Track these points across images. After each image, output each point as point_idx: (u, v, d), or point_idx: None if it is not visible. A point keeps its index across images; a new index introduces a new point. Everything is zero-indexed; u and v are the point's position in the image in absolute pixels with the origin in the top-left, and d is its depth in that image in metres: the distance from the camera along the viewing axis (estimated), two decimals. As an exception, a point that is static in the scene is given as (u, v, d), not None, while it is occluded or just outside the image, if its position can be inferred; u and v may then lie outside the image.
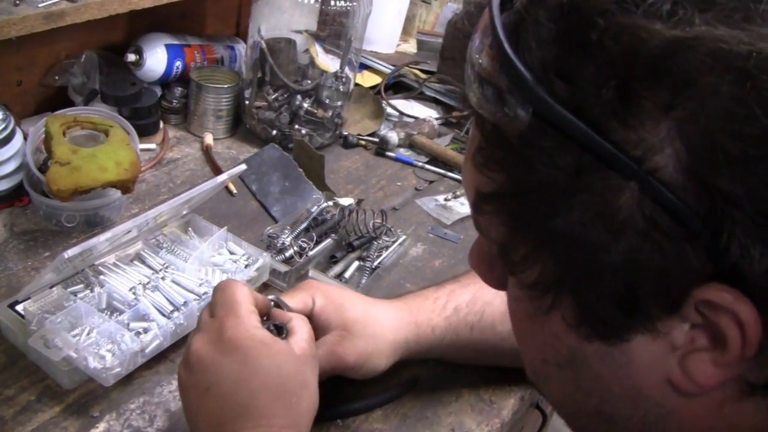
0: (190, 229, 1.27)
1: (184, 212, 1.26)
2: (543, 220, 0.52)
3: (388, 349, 0.98)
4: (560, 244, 0.52)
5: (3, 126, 1.31)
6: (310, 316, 0.96)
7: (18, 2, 1.35)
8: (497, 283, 0.67)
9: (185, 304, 1.10)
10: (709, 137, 0.45)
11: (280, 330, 0.88)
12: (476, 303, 1.03)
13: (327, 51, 1.76)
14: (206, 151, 1.62)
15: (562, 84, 0.48)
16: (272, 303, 0.91)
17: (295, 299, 0.96)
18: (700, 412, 0.54)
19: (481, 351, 1.05)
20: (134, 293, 1.10)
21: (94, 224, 1.35)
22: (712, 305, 0.48)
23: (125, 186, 1.29)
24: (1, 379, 1.05)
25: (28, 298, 1.10)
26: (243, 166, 1.22)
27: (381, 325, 0.99)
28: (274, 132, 1.65)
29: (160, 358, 1.09)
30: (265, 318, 0.90)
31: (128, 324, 1.06)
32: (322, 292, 0.99)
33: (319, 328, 0.97)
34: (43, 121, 1.35)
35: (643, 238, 0.48)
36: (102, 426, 1.01)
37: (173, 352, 1.11)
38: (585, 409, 0.62)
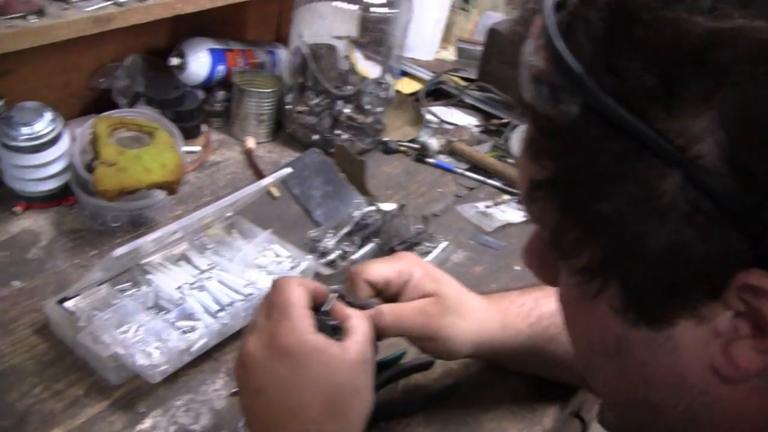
0: (234, 230, 1.28)
1: (228, 214, 1.27)
2: (591, 204, 0.54)
3: (474, 337, 0.98)
4: (607, 228, 0.54)
5: (52, 127, 1.33)
6: (406, 288, 0.96)
7: (67, 6, 1.37)
8: (550, 279, 0.68)
9: (231, 304, 1.11)
10: (748, 125, 0.47)
11: (337, 330, 0.87)
12: (558, 316, 1.04)
13: (367, 57, 1.77)
14: (248, 154, 1.63)
15: (610, 77, 0.51)
16: (336, 295, 0.90)
17: (391, 268, 0.96)
18: (745, 399, 0.56)
19: (551, 363, 1.05)
20: (181, 292, 1.11)
21: (139, 224, 1.37)
22: (753, 290, 0.50)
23: (170, 187, 1.31)
24: (50, 373, 1.06)
25: (77, 295, 1.12)
26: (289, 169, 1.23)
27: (473, 312, 0.99)
28: (315, 137, 1.67)
29: (205, 356, 1.10)
30: (323, 312, 0.89)
31: (175, 322, 1.07)
32: (420, 266, 0.98)
33: (414, 300, 0.96)
34: (90, 123, 1.37)
35: (686, 222, 0.50)
36: (148, 422, 1.02)
37: (218, 352, 1.12)
38: (632, 399, 0.63)
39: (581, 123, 0.53)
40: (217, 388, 1.08)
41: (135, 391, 1.06)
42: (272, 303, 0.86)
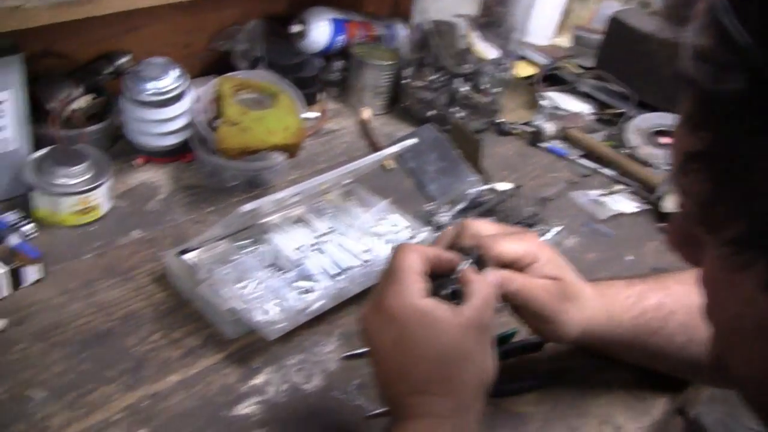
0: (351, 198, 1.28)
1: (347, 182, 1.27)
2: (747, 176, 0.53)
3: (583, 325, 0.97)
4: (762, 201, 0.53)
5: (177, 84, 1.35)
6: (529, 269, 0.95)
7: (195, -34, 1.39)
8: (693, 258, 0.67)
9: (349, 268, 1.11)
10: None
11: (457, 295, 0.86)
12: (661, 310, 1.02)
13: (485, 38, 1.75)
14: (363, 125, 1.64)
15: None
16: (468, 262, 0.89)
17: (520, 247, 0.94)
18: None
19: (651, 356, 1.04)
20: (300, 253, 1.12)
21: (255, 185, 1.38)
22: None
23: (290, 150, 1.32)
24: (167, 322, 1.08)
25: (196, 248, 1.12)
26: (414, 140, 1.23)
27: (586, 301, 0.98)
28: (431, 112, 1.66)
29: (319, 318, 1.10)
30: (451, 278, 0.88)
31: (293, 282, 1.08)
32: (546, 249, 0.97)
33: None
34: (214, 82, 1.38)
35: None
36: (262, 377, 1.03)
37: (333, 315, 1.12)
38: None
39: (746, 97, 0.52)
40: (330, 350, 1.08)
41: (249, 347, 1.07)
42: (387, 268, 0.86)
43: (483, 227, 0.94)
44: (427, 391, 0.81)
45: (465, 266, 0.86)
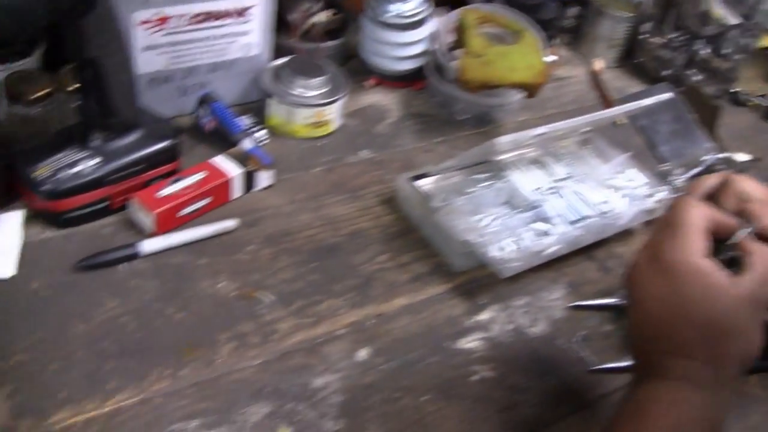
0: (587, 147, 1.23)
1: (585, 130, 1.23)
2: None
3: None
4: None
5: (421, 9, 1.33)
6: None
7: None
8: None
9: (586, 217, 1.07)
10: None
11: (734, 263, 0.80)
12: None
13: (726, 3, 1.66)
14: (594, 76, 1.57)
15: None
16: (749, 230, 0.82)
17: None
18: None
19: None
20: (538, 194, 1.08)
21: (484, 122, 1.35)
22: None
23: (531, 90, 1.28)
24: (395, 245, 1.07)
25: (429, 176, 1.10)
26: (669, 94, 1.17)
27: None
28: (666, 72, 1.60)
29: (547, 264, 1.07)
30: (728, 244, 0.82)
31: (530, 223, 1.04)
32: None
33: None
34: (458, 12, 1.35)
35: None
36: (487, 314, 1.00)
37: (561, 262, 1.09)
38: None
39: None
40: (556, 298, 1.05)
41: (476, 282, 1.04)
42: (667, 220, 0.81)
43: (752, 188, 0.83)
44: (689, 354, 0.76)
45: (745, 234, 0.80)
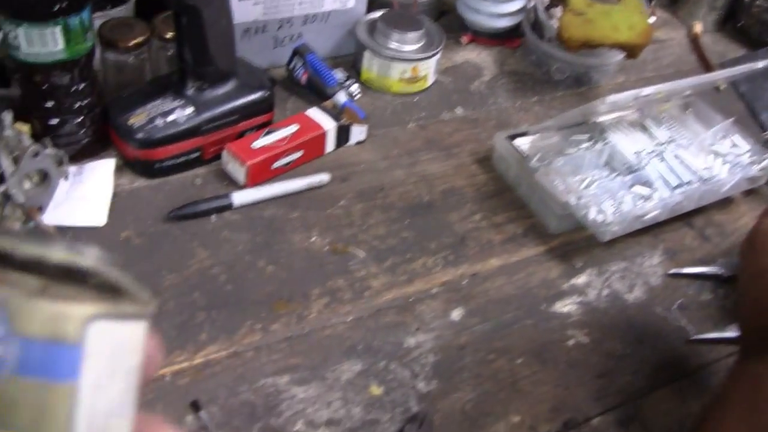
0: (689, 112, 1.19)
1: (687, 93, 1.18)
2: None
3: None
4: None
5: (520, -37, 1.28)
6: None
7: None
8: None
9: (688, 182, 1.03)
10: None
11: None
12: None
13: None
14: (693, 40, 1.53)
15: None
16: None
17: None
18: None
19: None
20: (639, 158, 1.04)
21: (581, 83, 1.32)
22: None
23: (634, 51, 1.24)
24: (489, 204, 1.04)
25: (527, 135, 1.07)
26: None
27: None
28: (770, 36, 1.53)
29: (644, 229, 1.04)
30: None
31: (630, 186, 1.01)
32: None
33: None
34: (557, -32, 1.31)
35: None
36: (583, 278, 0.98)
37: (659, 228, 1.06)
38: None
39: None
40: (653, 264, 1.02)
41: (571, 245, 1.02)
42: None
43: None
44: None
45: None
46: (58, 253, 0.26)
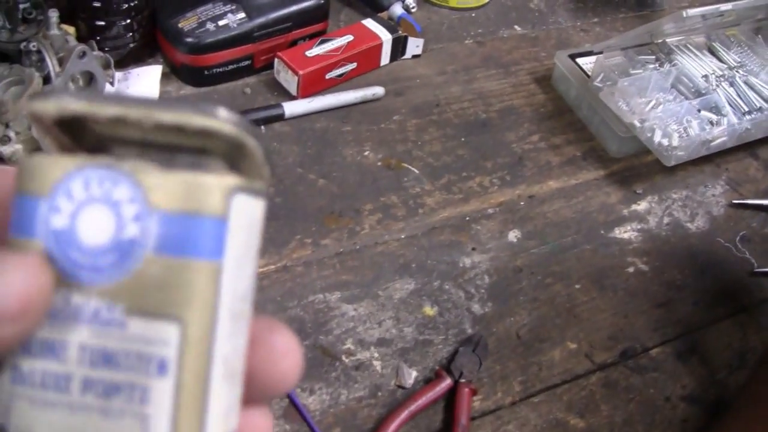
0: (759, 37, 1.13)
1: (760, 17, 1.13)
2: None
3: None
4: None
5: None
6: None
7: None
8: None
9: (759, 110, 0.99)
10: None
11: None
12: None
13: None
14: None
15: None
16: None
17: None
18: None
19: None
20: (707, 82, 1.00)
21: (644, 5, 1.28)
22: None
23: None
24: (548, 126, 1.01)
25: (590, 55, 1.03)
26: None
27: None
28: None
29: (709, 158, 1.00)
30: None
31: (699, 111, 0.96)
32: None
33: None
34: None
35: None
36: (644, 204, 0.94)
37: (722, 157, 1.02)
38: None
39: None
40: (716, 194, 0.98)
41: (632, 170, 0.98)
42: None
43: None
44: None
45: None
46: (195, 119, 0.22)
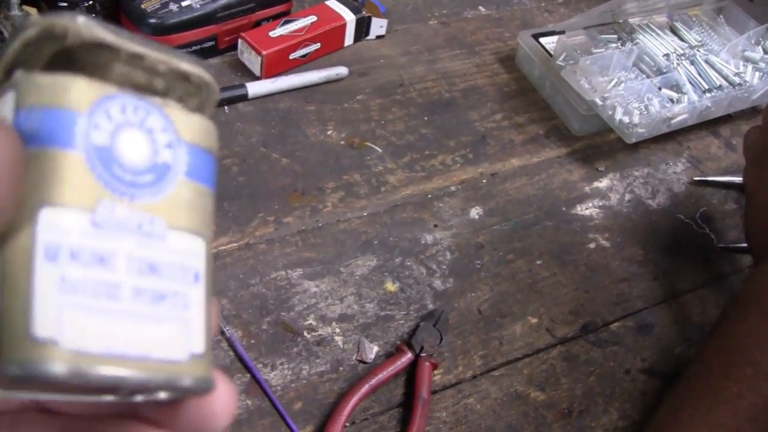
0: (721, 17, 1.14)
1: (721, -3, 1.14)
2: None
3: None
4: None
5: None
6: None
7: None
8: None
9: (718, 87, 1.00)
10: None
11: None
12: None
13: None
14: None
15: None
16: None
17: None
18: None
19: None
20: (668, 60, 1.01)
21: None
22: None
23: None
24: (511, 105, 1.01)
25: (552, 35, 1.04)
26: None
27: None
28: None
29: (668, 135, 1.02)
30: None
31: (660, 89, 0.97)
32: None
33: None
34: None
35: None
36: (605, 182, 0.95)
37: (684, 134, 1.04)
38: None
39: None
40: (677, 171, 0.99)
41: (594, 148, 0.99)
42: None
43: None
44: None
45: None
46: (201, 72, 0.27)
